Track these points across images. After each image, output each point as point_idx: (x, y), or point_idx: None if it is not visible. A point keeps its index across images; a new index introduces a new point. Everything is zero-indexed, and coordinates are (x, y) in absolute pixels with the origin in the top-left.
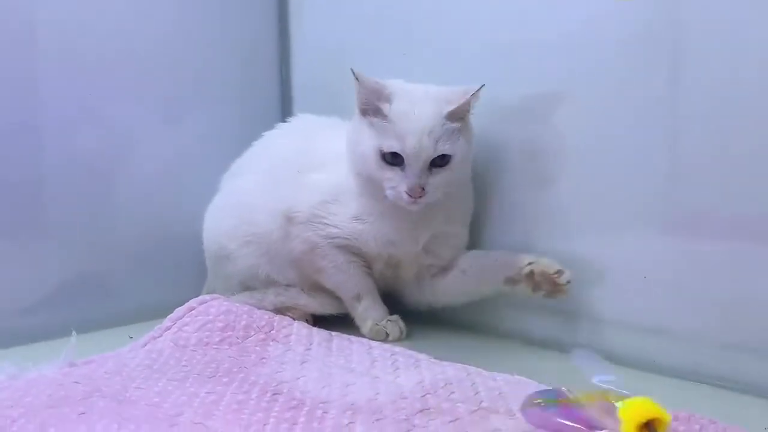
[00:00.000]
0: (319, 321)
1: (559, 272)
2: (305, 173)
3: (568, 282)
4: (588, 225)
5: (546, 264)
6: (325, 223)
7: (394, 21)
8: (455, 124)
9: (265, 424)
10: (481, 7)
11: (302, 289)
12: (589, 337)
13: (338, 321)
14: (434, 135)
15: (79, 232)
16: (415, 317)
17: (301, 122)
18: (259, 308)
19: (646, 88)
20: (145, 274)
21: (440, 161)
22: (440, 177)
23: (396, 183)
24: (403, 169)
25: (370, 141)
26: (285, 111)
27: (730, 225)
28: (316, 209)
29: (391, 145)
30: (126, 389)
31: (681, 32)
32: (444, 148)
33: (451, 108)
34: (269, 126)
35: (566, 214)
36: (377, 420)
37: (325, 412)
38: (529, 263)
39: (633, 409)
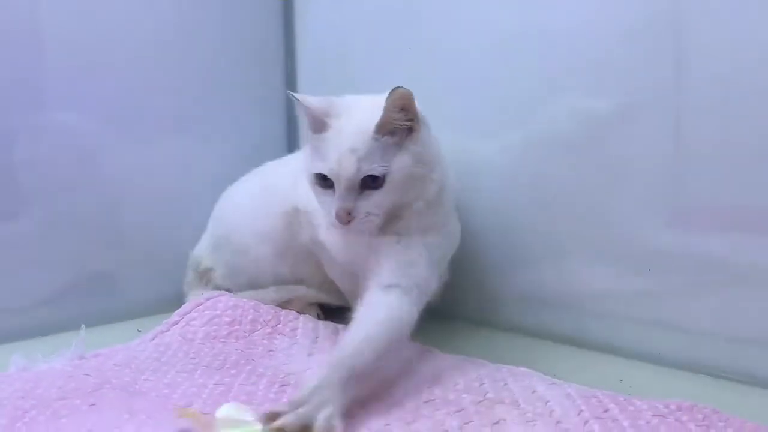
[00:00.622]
0: (328, 314)
1: None
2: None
3: None
4: (592, 216)
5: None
6: (314, 224)
7: (399, 19)
8: (391, 138)
9: None
10: (485, 1)
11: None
12: (593, 330)
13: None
14: (358, 153)
15: (87, 229)
16: (421, 313)
17: None
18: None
19: (649, 80)
20: (151, 270)
21: (373, 182)
22: (372, 200)
23: (328, 208)
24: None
25: (306, 163)
26: (290, 111)
27: (734, 217)
28: (310, 206)
29: (318, 167)
30: (135, 381)
31: (684, 24)
32: (370, 168)
33: (377, 120)
34: (275, 127)
35: (571, 206)
36: (386, 410)
37: None
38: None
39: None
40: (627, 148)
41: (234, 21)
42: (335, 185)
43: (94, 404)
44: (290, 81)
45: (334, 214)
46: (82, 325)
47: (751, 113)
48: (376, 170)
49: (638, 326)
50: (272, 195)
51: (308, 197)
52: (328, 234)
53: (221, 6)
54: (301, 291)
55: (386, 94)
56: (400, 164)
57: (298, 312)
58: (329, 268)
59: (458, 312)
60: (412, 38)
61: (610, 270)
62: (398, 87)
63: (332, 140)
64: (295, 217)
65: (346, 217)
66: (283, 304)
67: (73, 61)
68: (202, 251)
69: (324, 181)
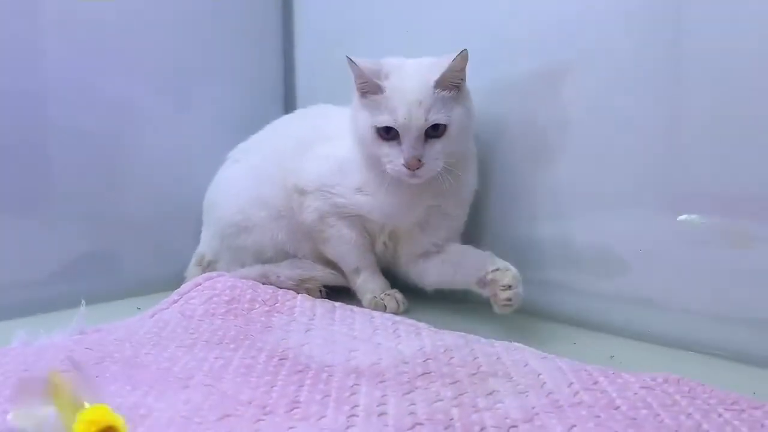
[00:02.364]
0: (332, 292)
1: (506, 287)
2: (315, 146)
3: (509, 300)
4: (586, 200)
5: (501, 276)
6: (333, 193)
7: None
8: (448, 93)
9: (273, 386)
10: None
11: (315, 262)
12: (587, 309)
13: (347, 293)
14: (424, 105)
15: (88, 207)
16: (417, 291)
17: (317, 108)
18: (276, 283)
19: (645, 67)
20: (152, 249)
21: (435, 131)
22: (437, 147)
23: (393, 157)
24: (399, 143)
25: (366, 120)
26: (288, 91)
27: (725, 199)
28: (325, 178)
29: (384, 120)
30: (136, 355)
31: (681, 8)
32: (436, 117)
33: (437, 76)
34: (273, 106)
35: (565, 189)
36: (380, 382)
37: (330, 375)
38: (494, 270)
39: (86, 421)
40: (622, 133)
41: (233, 3)
42: (402, 136)
43: (96, 376)
44: (288, 62)
45: (403, 161)
46: (83, 301)
47: (747, 101)
48: (442, 119)
49: (629, 305)
50: (272, 163)
51: (327, 172)
52: (358, 195)
53: None
54: (318, 273)
55: (431, 57)
56: (458, 115)
57: (308, 289)
58: (335, 244)
59: (452, 290)
60: (410, 18)
61: (604, 252)
62: (464, 49)
63: (394, 96)
64: (296, 198)
65: (416, 164)
66: (300, 283)
67: (70, 42)
68: (204, 247)
69: (387, 134)
